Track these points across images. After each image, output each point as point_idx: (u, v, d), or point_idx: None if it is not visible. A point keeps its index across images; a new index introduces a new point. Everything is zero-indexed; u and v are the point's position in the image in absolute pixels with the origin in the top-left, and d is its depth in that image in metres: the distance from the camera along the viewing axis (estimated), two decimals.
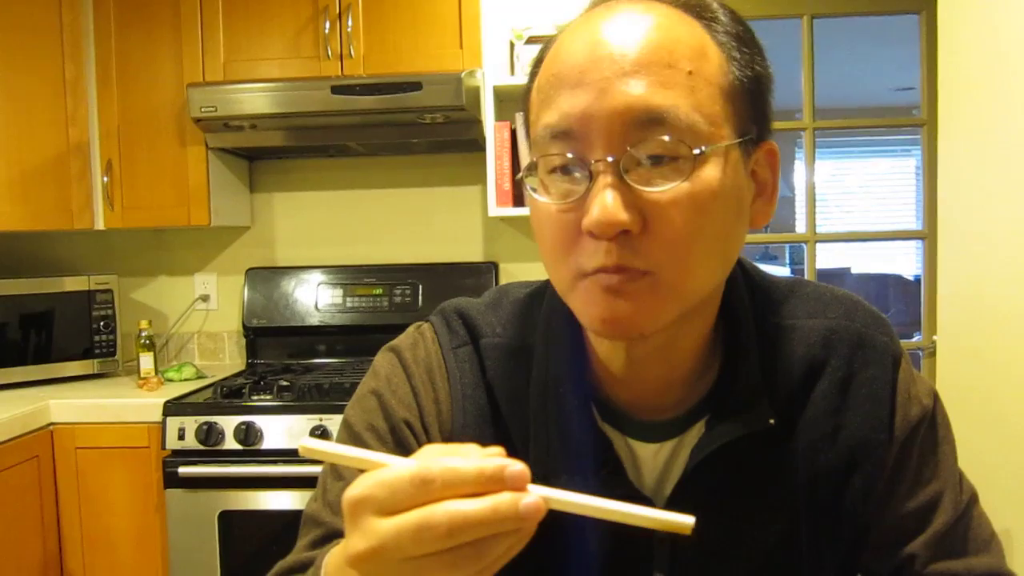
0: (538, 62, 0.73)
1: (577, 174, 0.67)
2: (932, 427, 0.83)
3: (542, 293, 0.84)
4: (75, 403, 2.45)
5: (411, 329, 0.89)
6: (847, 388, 0.79)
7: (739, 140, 0.68)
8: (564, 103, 0.66)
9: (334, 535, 0.78)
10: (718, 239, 0.68)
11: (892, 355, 0.81)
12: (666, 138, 0.64)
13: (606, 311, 0.67)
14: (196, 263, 3.09)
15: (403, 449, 0.80)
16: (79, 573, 2.44)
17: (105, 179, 2.69)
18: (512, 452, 0.60)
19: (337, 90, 2.45)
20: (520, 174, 0.72)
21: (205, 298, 3.08)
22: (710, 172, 0.65)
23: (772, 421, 0.76)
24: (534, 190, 0.70)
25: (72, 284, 2.75)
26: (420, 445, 0.75)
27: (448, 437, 0.81)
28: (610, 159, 0.64)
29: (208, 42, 2.64)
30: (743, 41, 0.70)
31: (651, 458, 0.79)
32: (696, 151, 0.64)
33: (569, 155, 0.66)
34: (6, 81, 2.56)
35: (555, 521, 0.69)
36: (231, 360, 3.08)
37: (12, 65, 2.57)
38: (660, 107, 0.64)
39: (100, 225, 2.72)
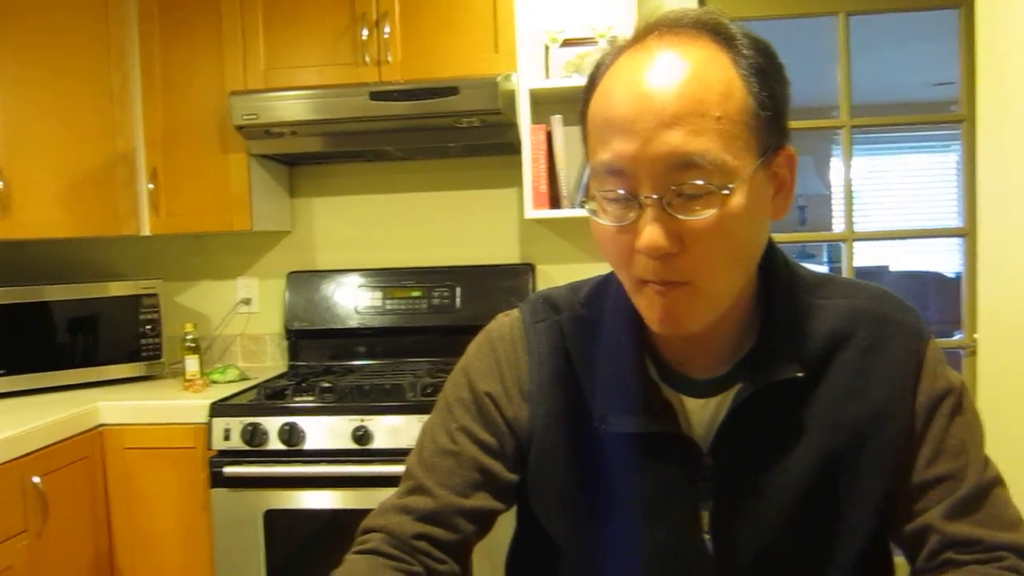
0: (590, 87, 0.87)
1: (629, 203, 0.81)
2: (958, 406, 0.93)
3: (610, 280, 0.98)
4: (123, 405, 2.51)
5: (500, 314, 1.07)
6: (871, 354, 0.92)
7: (761, 159, 0.82)
8: (616, 146, 0.81)
9: (419, 489, 0.96)
10: (744, 248, 0.85)
11: (918, 333, 0.93)
12: (700, 182, 0.78)
13: (659, 313, 0.84)
14: (238, 267, 3.15)
15: (484, 417, 0.99)
16: (129, 570, 2.51)
17: (150, 186, 2.75)
18: (581, 402, 0.96)
19: (375, 96, 2.49)
20: (581, 199, 0.88)
21: (247, 301, 3.14)
22: (736, 200, 0.80)
23: (800, 374, 0.89)
24: (594, 212, 0.85)
25: (119, 289, 2.82)
26: (500, 412, 0.98)
27: (527, 397, 0.99)
28: (655, 196, 0.79)
29: (249, 51, 2.70)
30: (764, 71, 0.82)
31: (699, 411, 0.93)
32: (724, 191, 0.78)
33: (622, 191, 0.81)
34: (56, 92, 2.64)
35: (606, 461, 0.95)
36: (272, 362, 3.13)
37: (61, 77, 2.65)
38: (693, 152, 0.78)
39: (146, 231, 2.79)
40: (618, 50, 0.85)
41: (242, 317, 3.16)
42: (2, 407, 2.47)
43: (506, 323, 1.05)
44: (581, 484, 0.96)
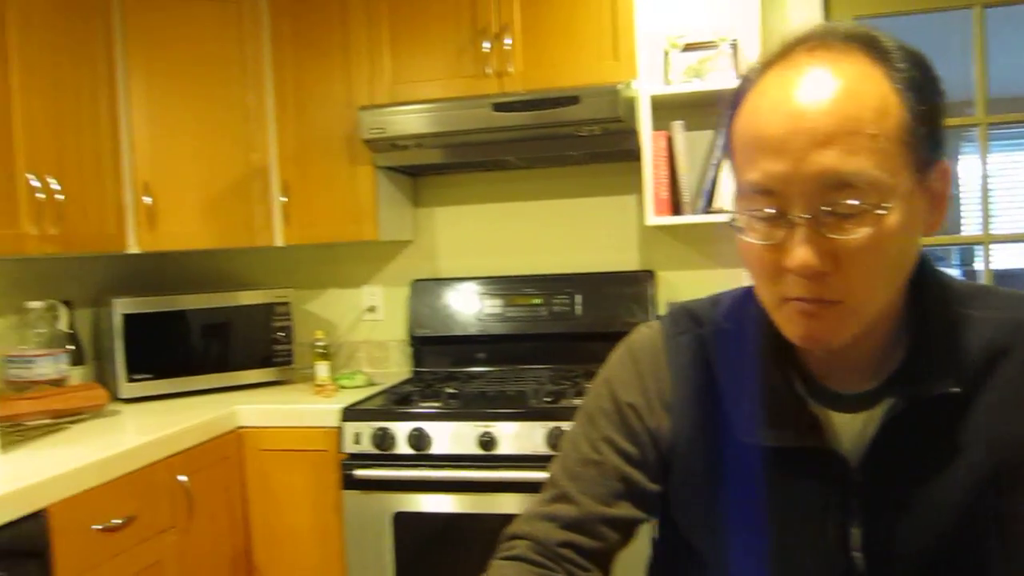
0: (735, 103, 0.86)
1: (778, 221, 0.80)
2: None
3: (751, 294, 0.95)
4: (260, 408, 2.63)
5: (641, 325, 1.08)
6: None
7: (918, 175, 0.80)
8: (766, 165, 0.80)
9: (563, 497, 0.98)
10: (898, 265, 0.83)
11: None
12: (855, 202, 0.76)
13: (803, 330, 0.83)
14: (364, 276, 3.25)
15: (626, 427, 0.99)
16: (266, 566, 2.62)
17: (283, 199, 2.87)
18: (724, 415, 0.95)
19: (498, 107, 2.54)
20: (729, 217, 0.86)
21: (372, 309, 3.24)
22: (892, 219, 0.78)
23: (956, 389, 0.86)
24: (741, 229, 0.84)
25: (254, 297, 2.96)
26: (642, 423, 0.99)
27: (668, 408, 0.99)
28: (807, 216, 0.78)
29: (375, 67, 2.79)
30: (919, 85, 0.80)
31: (846, 425, 0.91)
32: (880, 210, 0.77)
33: (771, 210, 0.80)
34: (197, 113, 2.79)
35: (750, 475, 0.94)
36: (396, 367, 3.22)
37: (201, 99, 2.80)
38: (848, 173, 0.76)
39: (279, 242, 2.91)
40: (764, 65, 0.84)
41: (367, 324, 3.25)
42: (150, 409, 2.62)
43: (647, 335, 1.05)
44: (725, 498, 0.96)
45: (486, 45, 2.69)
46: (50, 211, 2.35)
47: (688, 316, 1.04)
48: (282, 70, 2.88)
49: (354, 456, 2.47)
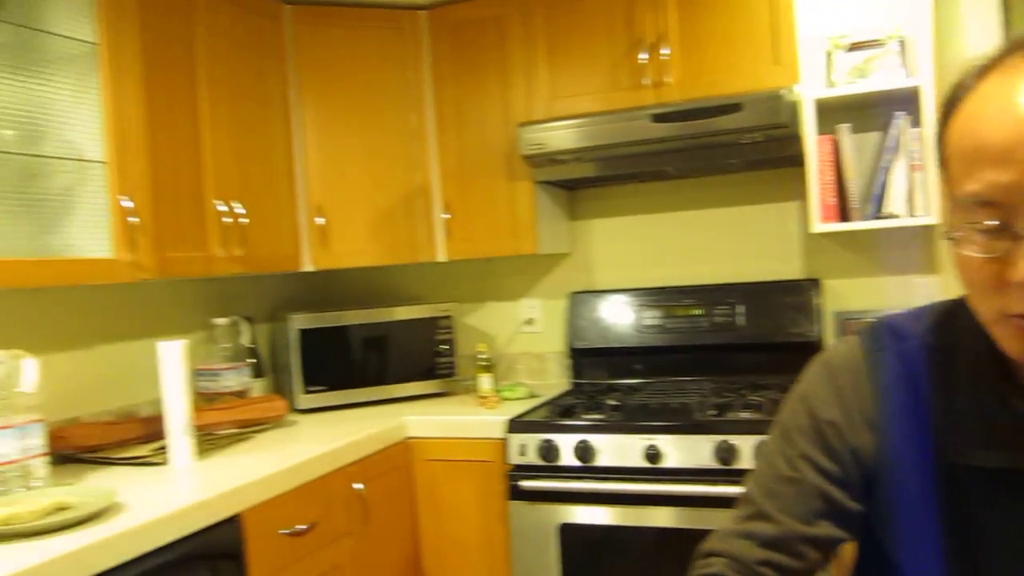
0: (948, 111, 0.82)
1: (1001, 234, 0.76)
2: None
3: (960, 307, 0.93)
4: (427, 419, 2.71)
5: (837, 341, 1.05)
6: None
7: None
8: (989, 176, 0.76)
9: (760, 515, 0.97)
10: None
11: None
12: None
13: None
14: (522, 289, 3.30)
15: (825, 445, 0.97)
16: (434, 574, 2.69)
17: (446, 215, 2.96)
18: (934, 434, 0.91)
19: (657, 118, 2.53)
20: (946, 231, 0.82)
21: (530, 321, 3.28)
22: None
23: None
24: (957, 242, 0.81)
25: (418, 312, 3.05)
26: (843, 440, 0.96)
27: (872, 426, 0.96)
28: None
29: (532, 84, 2.84)
30: None
31: None
32: None
33: (994, 223, 0.76)
34: (363, 137, 2.92)
35: (964, 497, 0.90)
36: (555, 379, 3.24)
37: (367, 122, 2.92)
38: None
39: (441, 257, 3.00)
40: (980, 70, 0.80)
41: (526, 336, 3.30)
42: (325, 420, 2.75)
43: (845, 350, 1.02)
44: (935, 521, 0.92)
45: (643, 56, 2.68)
46: (235, 234, 2.51)
47: (889, 331, 1.00)
48: (442, 91, 2.97)
49: (519, 467, 2.51)
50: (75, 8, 2.10)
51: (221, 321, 2.83)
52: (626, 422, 2.43)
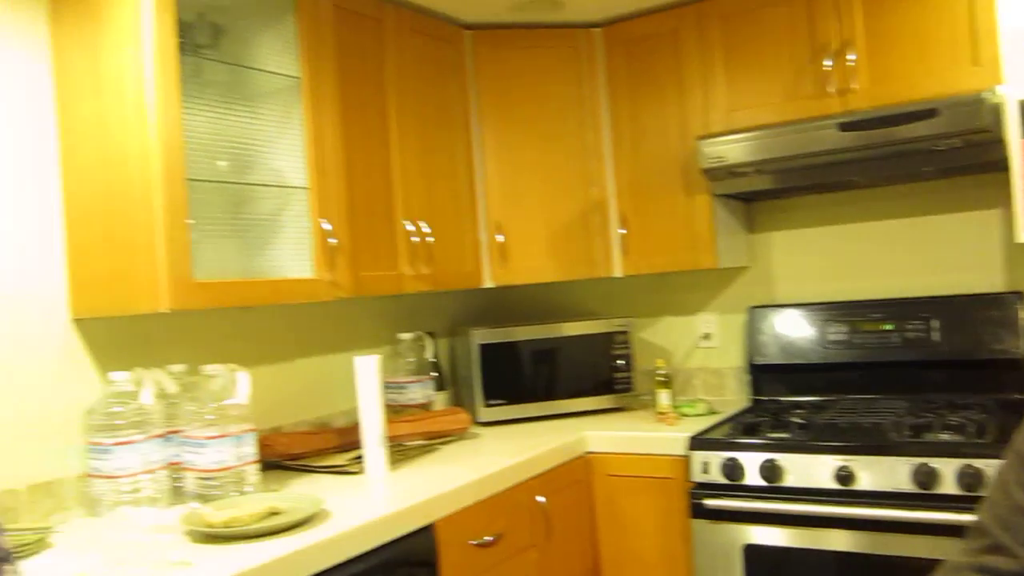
0: None
1: None
2: None
3: None
4: (606, 435, 2.71)
5: None
6: None
7: None
8: None
9: (997, 548, 0.93)
10: None
11: None
12: None
13: None
14: (698, 303, 3.26)
15: None
16: None
17: (622, 231, 2.97)
18: None
19: (845, 127, 2.44)
20: None
21: (707, 336, 3.23)
22: None
23: None
24: None
25: (595, 327, 3.07)
26: None
27: None
28: None
29: (709, 95, 2.81)
30: None
31: None
32: None
33: None
34: (540, 153, 2.97)
35: None
36: (733, 395, 3.18)
37: (544, 140, 2.98)
38: None
39: (618, 273, 3.01)
40: None
41: (703, 351, 3.25)
42: (506, 433, 2.81)
43: None
44: None
45: (827, 63, 2.60)
46: (422, 253, 2.62)
47: None
48: (618, 106, 2.99)
49: (702, 485, 2.47)
50: (280, 46, 2.26)
51: (406, 336, 2.95)
52: (815, 441, 2.35)
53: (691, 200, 2.86)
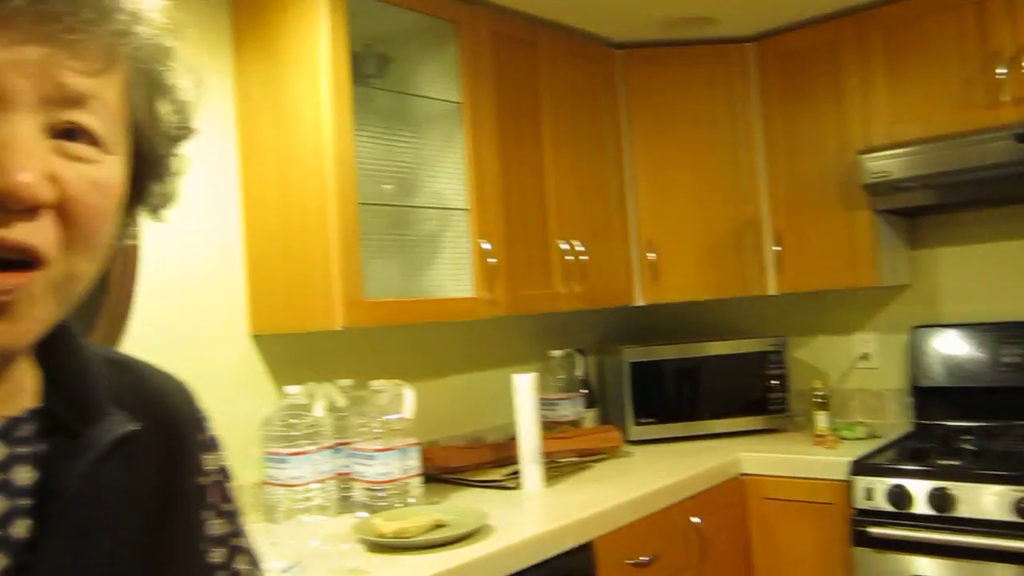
0: None
1: None
2: None
3: None
4: (761, 456, 2.66)
5: None
6: None
7: None
8: None
9: None
10: None
11: None
12: None
13: None
14: (856, 322, 3.15)
15: None
16: None
17: (776, 248, 2.91)
18: None
19: (1022, 138, 2.32)
20: None
21: (865, 356, 3.12)
22: None
23: None
24: None
25: (748, 346, 3.02)
26: None
27: None
28: None
29: (870, 108, 2.72)
30: None
31: None
32: None
33: None
34: (691, 171, 2.96)
35: None
36: (893, 419, 3.05)
37: (695, 157, 2.96)
38: None
39: (772, 291, 2.95)
40: None
41: (860, 372, 3.14)
42: (657, 452, 2.79)
43: None
44: None
45: (1001, 71, 2.47)
46: (576, 271, 2.65)
47: None
48: (771, 122, 2.94)
49: (865, 512, 2.38)
50: (442, 73, 2.34)
51: (557, 353, 2.98)
52: (990, 470, 2.23)
53: (850, 215, 2.77)
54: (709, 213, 2.96)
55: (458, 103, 2.33)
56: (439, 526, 1.89)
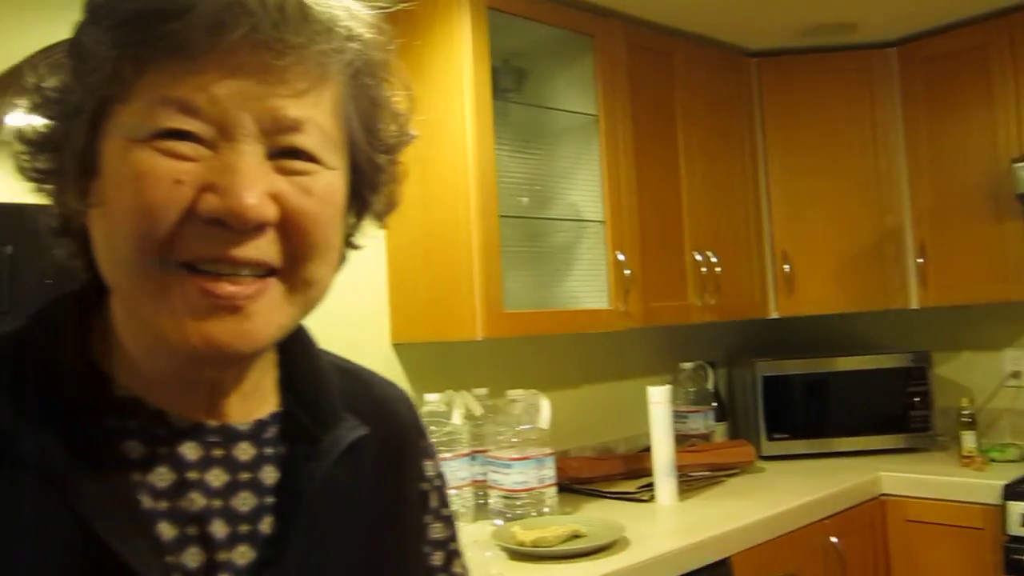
0: None
1: None
2: None
3: None
4: (903, 477, 2.56)
5: None
6: None
7: None
8: None
9: None
10: None
11: None
12: None
13: None
14: (1005, 338, 2.99)
15: None
16: None
17: (919, 260, 2.80)
18: None
19: None
20: None
21: (1016, 374, 2.96)
22: None
23: None
24: None
25: (887, 361, 2.91)
26: None
27: None
28: None
29: None
30: None
31: None
32: None
33: None
34: (829, 182, 2.88)
35: None
36: None
37: (832, 167, 2.88)
38: None
39: (913, 304, 2.84)
40: None
41: (1011, 391, 2.98)
42: (791, 469, 2.72)
43: None
44: None
45: None
46: (710, 283, 2.62)
47: None
48: (914, 129, 2.83)
49: (1019, 540, 2.26)
50: (578, 85, 2.37)
51: (687, 365, 2.95)
52: None
53: (1001, 226, 2.64)
54: (847, 223, 2.88)
55: (594, 116, 2.34)
56: (576, 536, 1.90)
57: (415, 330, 2.19)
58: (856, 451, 2.88)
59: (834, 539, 2.35)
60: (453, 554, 0.80)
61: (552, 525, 1.92)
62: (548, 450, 2.16)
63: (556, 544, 1.84)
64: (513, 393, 2.20)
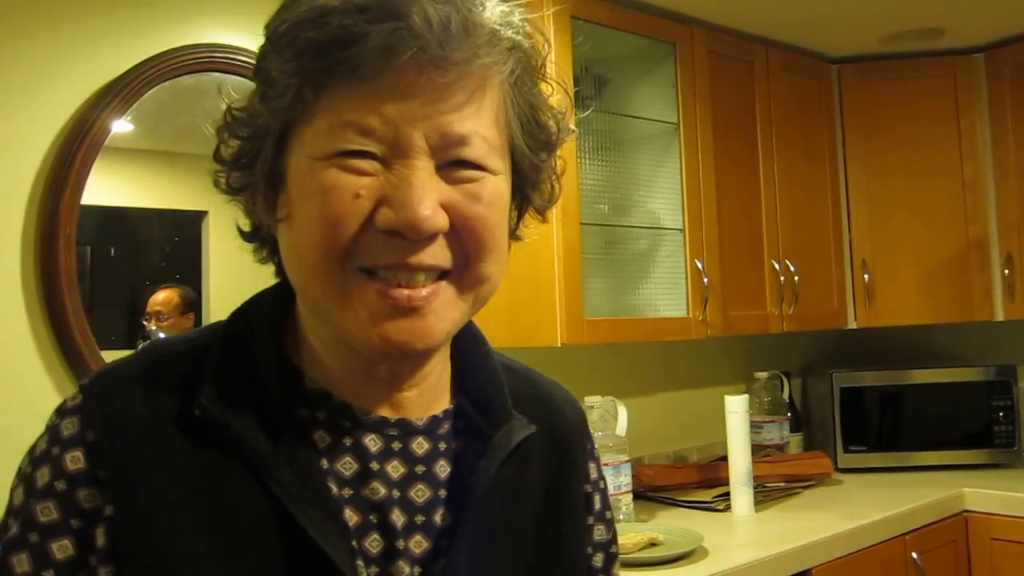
0: None
1: None
2: None
3: None
4: (988, 493, 2.49)
5: None
6: None
7: None
8: None
9: None
10: None
11: None
12: None
13: None
14: None
15: None
16: None
17: (1005, 271, 2.73)
18: None
19: None
20: None
21: None
22: None
23: None
24: None
25: (970, 375, 2.84)
26: None
27: None
28: None
29: None
30: None
31: None
32: None
33: None
34: (911, 189, 2.82)
35: None
36: None
37: (915, 174, 2.82)
38: None
39: (1000, 316, 2.77)
40: None
41: None
42: (869, 482, 2.67)
43: None
44: None
45: None
46: (789, 292, 2.59)
47: None
48: (1002, 137, 2.76)
49: None
50: (659, 94, 2.37)
51: (762, 375, 2.92)
52: None
53: None
54: (930, 233, 2.82)
55: (674, 124, 2.34)
56: (653, 544, 1.90)
57: (494, 335, 2.18)
58: (936, 465, 2.82)
59: (915, 555, 2.30)
60: (613, 557, 0.83)
61: (629, 532, 1.93)
62: (624, 457, 2.17)
63: (634, 551, 1.84)
64: (591, 400, 2.21)
